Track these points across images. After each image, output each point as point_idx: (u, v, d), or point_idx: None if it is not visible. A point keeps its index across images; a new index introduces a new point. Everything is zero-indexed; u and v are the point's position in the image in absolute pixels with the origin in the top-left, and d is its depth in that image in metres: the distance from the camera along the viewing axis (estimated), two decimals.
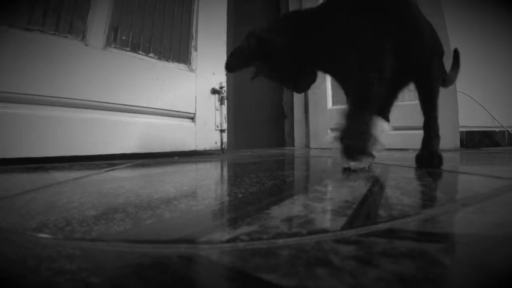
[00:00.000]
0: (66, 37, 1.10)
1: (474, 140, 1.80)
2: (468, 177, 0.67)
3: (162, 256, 0.23)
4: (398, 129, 1.86)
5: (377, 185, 0.54)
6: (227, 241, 0.26)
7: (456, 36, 1.77)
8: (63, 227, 0.31)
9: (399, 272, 0.20)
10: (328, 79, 2.17)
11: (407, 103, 1.86)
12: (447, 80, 1.10)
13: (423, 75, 0.87)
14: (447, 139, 1.73)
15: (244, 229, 0.29)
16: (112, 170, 0.84)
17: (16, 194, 0.49)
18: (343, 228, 0.29)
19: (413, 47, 0.81)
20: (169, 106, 1.42)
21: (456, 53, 1.14)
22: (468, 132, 1.79)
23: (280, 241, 0.26)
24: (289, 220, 0.32)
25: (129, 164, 1.00)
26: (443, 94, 1.71)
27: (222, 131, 1.66)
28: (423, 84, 0.89)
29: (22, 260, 0.22)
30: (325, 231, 0.29)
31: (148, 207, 0.39)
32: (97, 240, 0.27)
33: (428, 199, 0.43)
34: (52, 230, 0.30)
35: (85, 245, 0.26)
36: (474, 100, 1.79)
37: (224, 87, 1.67)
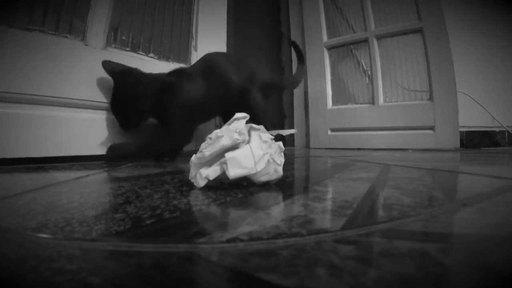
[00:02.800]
0: (66, 37, 1.10)
1: (474, 140, 1.80)
2: (468, 177, 0.67)
3: (162, 256, 0.23)
4: (398, 129, 1.86)
5: (377, 185, 0.54)
6: (227, 241, 0.26)
7: (456, 36, 1.77)
8: (63, 227, 0.31)
9: (399, 272, 0.20)
10: (328, 79, 2.18)
11: (408, 103, 1.86)
12: (291, 81, 1.58)
13: (244, 103, 1.24)
14: (447, 139, 1.73)
15: (244, 228, 0.29)
16: (112, 170, 0.84)
17: (16, 194, 0.49)
18: (343, 228, 0.29)
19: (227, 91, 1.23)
20: None
21: (295, 47, 1.61)
22: (468, 132, 1.79)
23: (280, 241, 0.26)
24: (289, 220, 0.32)
25: (129, 164, 1.00)
26: (443, 94, 1.72)
27: None
28: (247, 108, 1.22)
29: (22, 260, 0.22)
30: (325, 231, 0.29)
31: (148, 207, 0.39)
32: (97, 240, 0.27)
33: (428, 199, 0.43)
34: (52, 230, 0.30)
35: (85, 245, 0.26)
36: (474, 100, 1.79)
37: None
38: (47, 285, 0.19)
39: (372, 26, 1.99)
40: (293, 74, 1.66)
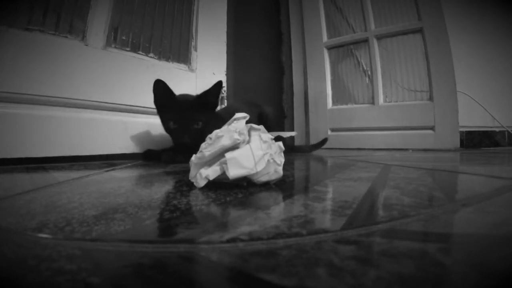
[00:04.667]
0: (66, 37, 1.10)
1: (474, 140, 1.80)
2: (468, 177, 0.67)
3: (162, 256, 0.23)
4: (398, 129, 1.86)
5: (377, 185, 0.54)
6: (227, 241, 0.26)
7: (456, 36, 1.77)
8: (63, 227, 0.31)
9: (399, 272, 0.20)
10: (328, 79, 2.18)
11: (408, 103, 1.86)
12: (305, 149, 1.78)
13: None
14: (447, 139, 1.73)
15: (244, 229, 0.29)
16: (112, 170, 0.84)
17: (16, 194, 0.49)
18: (343, 228, 0.29)
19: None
20: None
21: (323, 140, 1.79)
22: (468, 132, 1.79)
23: (280, 241, 0.26)
24: (289, 220, 0.32)
25: (129, 164, 1.00)
26: (443, 94, 1.72)
27: None
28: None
29: (22, 260, 0.22)
30: (325, 231, 0.29)
31: (148, 207, 0.39)
32: (97, 240, 0.27)
33: (428, 199, 0.43)
34: (52, 230, 0.30)
35: (85, 245, 0.26)
36: (474, 100, 1.79)
37: (224, 87, 1.67)
38: (47, 285, 0.19)
39: (372, 26, 1.99)
40: (312, 144, 1.80)
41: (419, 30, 1.84)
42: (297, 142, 2.35)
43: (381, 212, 0.35)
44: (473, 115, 1.81)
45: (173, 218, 0.34)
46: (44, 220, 0.33)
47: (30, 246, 0.26)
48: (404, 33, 1.90)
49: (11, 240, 0.28)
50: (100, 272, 0.21)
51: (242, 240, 0.26)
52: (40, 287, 0.19)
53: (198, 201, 0.44)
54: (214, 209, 0.39)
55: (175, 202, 0.42)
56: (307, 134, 2.27)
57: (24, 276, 0.20)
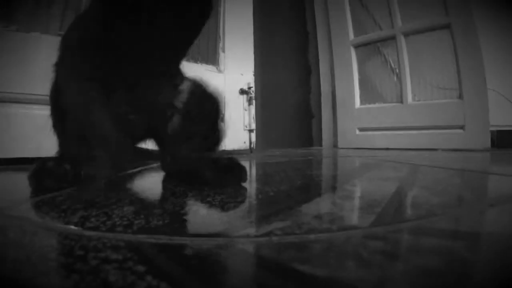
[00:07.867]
0: None
1: (506, 140, 1.76)
2: (497, 177, 0.67)
3: (201, 248, 0.24)
4: (427, 128, 1.83)
5: (405, 184, 0.55)
6: (262, 235, 0.27)
7: (485, 31, 1.73)
8: (105, 221, 0.32)
9: (425, 266, 0.21)
10: (356, 78, 2.16)
11: (437, 102, 1.83)
12: None
13: None
14: (477, 139, 1.70)
15: (278, 224, 0.30)
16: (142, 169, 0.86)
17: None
18: (372, 225, 0.30)
19: None
20: None
21: None
22: (499, 132, 1.75)
23: (312, 236, 0.27)
24: (319, 217, 0.33)
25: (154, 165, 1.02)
26: (473, 92, 1.68)
27: (250, 131, 1.68)
28: None
29: (69, 251, 0.24)
30: (354, 227, 0.30)
31: (184, 203, 0.41)
32: (139, 233, 0.28)
33: (455, 199, 0.43)
34: (94, 224, 0.32)
35: (127, 237, 0.27)
36: (506, 98, 1.75)
37: (252, 87, 1.68)
38: (96, 271, 0.20)
39: (399, 22, 1.96)
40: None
41: (447, 26, 1.80)
42: (324, 141, 2.34)
43: (409, 211, 0.36)
44: (505, 114, 1.76)
45: (209, 213, 0.35)
46: (85, 215, 0.35)
47: (76, 238, 0.28)
48: (432, 29, 1.86)
49: (55, 232, 0.30)
50: (145, 261, 0.22)
51: (276, 235, 0.27)
52: (89, 273, 0.20)
53: (231, 198, 0.45)
54: (248, 206, 0.40)
55: (209, 199, 0.44)
56: (335, 134, 2.26)
57: (72, 264, 0.22)
